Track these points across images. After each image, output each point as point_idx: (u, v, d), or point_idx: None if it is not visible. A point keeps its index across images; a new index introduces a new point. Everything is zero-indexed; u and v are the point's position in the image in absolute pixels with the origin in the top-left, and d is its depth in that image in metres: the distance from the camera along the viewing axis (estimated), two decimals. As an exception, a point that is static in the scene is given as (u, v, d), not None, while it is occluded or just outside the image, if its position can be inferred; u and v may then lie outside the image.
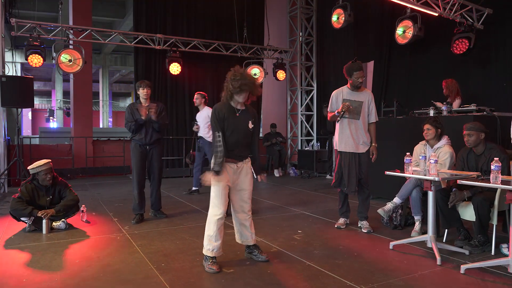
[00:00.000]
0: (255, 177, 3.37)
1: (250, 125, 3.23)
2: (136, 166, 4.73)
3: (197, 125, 6.46)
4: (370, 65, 9.07)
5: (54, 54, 7.63)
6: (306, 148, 10.43)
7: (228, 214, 3.30)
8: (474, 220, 3.55)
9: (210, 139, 6.31)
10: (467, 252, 3.47)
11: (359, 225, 4.38)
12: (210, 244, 3.14)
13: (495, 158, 2.88)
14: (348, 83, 4.37)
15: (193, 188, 6.78)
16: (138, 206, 4.73)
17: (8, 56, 10.26)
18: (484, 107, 4.94)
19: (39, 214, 4.15)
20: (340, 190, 4.42)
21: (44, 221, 4.14)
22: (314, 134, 10.73)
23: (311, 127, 10.89)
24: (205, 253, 3.16)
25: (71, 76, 8.89)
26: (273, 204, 5.84)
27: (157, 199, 4.95)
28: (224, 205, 3.15)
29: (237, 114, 3.19)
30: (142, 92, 4.75)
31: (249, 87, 3.11)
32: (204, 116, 6.36)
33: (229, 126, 3.15)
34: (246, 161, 3.28)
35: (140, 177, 4.75)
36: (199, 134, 6.48)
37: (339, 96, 4.37)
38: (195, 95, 6.56)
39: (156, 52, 9.12)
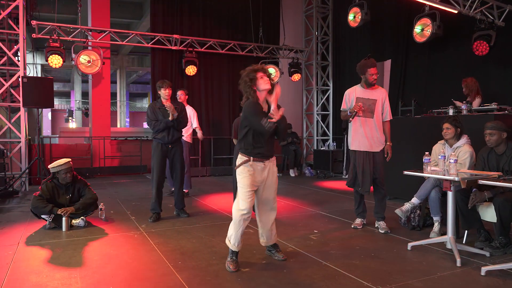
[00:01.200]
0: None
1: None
2: (157, 165, 4.76)
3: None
4: (387, 64, 8.96)
5: (73, 55, 7.79)
6: (322, 148, 10.36)
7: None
8: (495, 221, 3.47)
9: (189, 139, 6.37)
10: (487, 254, 3.39)
11: (376, 226, 4.34)
12: (233, 238, 3.15)
13: (517, 158, 2.81)
14: (362, 81, 4.31)
15: (173, 189, 6.41)
16: (156, 205, 4.77)
17: (29, 57, 10.50)
18: (505, 106, 4.83)
19: (59, 212, 4.22)
20: (355, 190, 4.38)
21: (64, 218, 4.22)
22: (330, 134, 10.66)
23: (327, 126, 10.82)
24: (230, 247, 3.17)
25: (90, 77, 9.05)
26: (288, 203, 5.83)
27: (180, 198, 4.97)
28: (249, 201, 3.10)
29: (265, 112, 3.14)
30: (164, 93, 4.77)
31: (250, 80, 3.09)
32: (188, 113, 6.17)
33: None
34: (272, 159, 3.26)
35: (160, 176, 4.78)
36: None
37: (352, 94, 4.32)
38: (179, 92, 6.38)
39: (172, 52, 9.21)
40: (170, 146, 4.80)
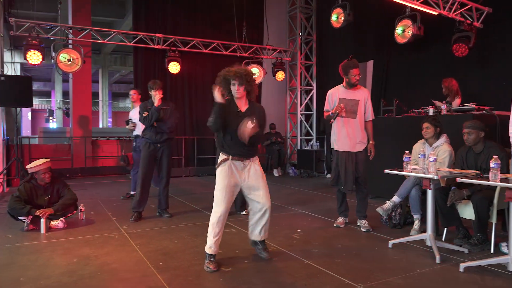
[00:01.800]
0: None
1: (250, 125, 3.14)
2: (144, 163, 4.74)
3: (132, 123, 6.05)
4: (370, 64, 9.06)
5: (53, 54, 7.63)
6: (305, 148, 10.42)
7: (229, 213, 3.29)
8: (474, 218, 3.54)
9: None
10: (466, 251, 3.46)
11: (358, 224, 4.37)
12: (209, 241, 3.14)
13: (494, 156, 2.87)
14: (344, 82, 4.35)
15: (131, 192, 6.12)
16: (138, 204, 4.73)
17: (7, 56, 10.26)
18: (483, 106, 4.93)
19: (37, 213, 4.13)
20: (338, 189, 4.41)
21: (42, 220, 4.13)
22: (314, 134, 10.71)
23: (311, 126, 10.88)
24: (205, 249, 3.16)
25: (70, 76, 8.89)
26: (272, 203, 5.80)
27: (164, 198, 4.93)
28: (225, 203, 3.11)
29: (239, 112, 3.15)
30: (154, 95, 4.72)
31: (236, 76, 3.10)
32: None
33: (232, 124, 3.09)
34: (254, 158, 3.24)
35: (147, 175, 4.76)
36: (135, 133, 6.05)
37: (335, 95, 4.36)
38: (132, 91, 6.25)
39: (155, 51, 9.11)
40: (158, 145, 4.77)
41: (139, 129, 5.85)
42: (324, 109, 4.47)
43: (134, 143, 6.14)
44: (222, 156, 3.17)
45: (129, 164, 6.41)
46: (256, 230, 3.33)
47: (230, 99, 3.20)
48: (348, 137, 4.27)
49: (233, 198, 3.20)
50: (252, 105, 3.27)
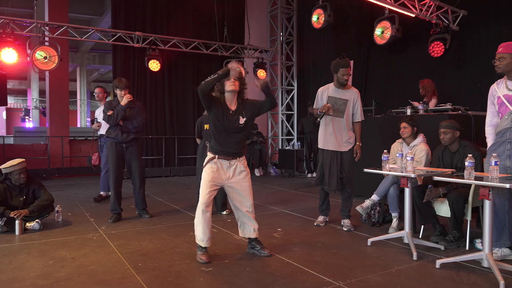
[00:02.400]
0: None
1: (242, 120, 3.26)
2: (112, 164, 4.64)
3: (97, 122, 5.94)
4: (350, 64, 9.16)
5: (28, 51, 7.43)
6: (286, 147, 10.47)
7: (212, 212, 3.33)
8: (449, 216, 3.63)
9: None
10: (442, 248, 3.54)
11: (341, 224, 4.39)
12: (198, 233, 3.22)
13: (468, 155, 2.94)
14: (334, 80, 4.30)
15: (101, 193, 6.04)
16: (116, 205, 4.65)
17: (-20, 53, 9.94)
18: (459, 106, 5.06)
19: (12, 215, 4.02)
20: (321, 187, 4.43)
21: (17, 221, 4.02)
22: (295, 134, 10.78)
23: (292, 126, 10.94)
24: (196, 241, 3.25)
25: (47, 74, 8.67)
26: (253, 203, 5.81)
27: (140, 198, 4.83)
28: (208, 197, 3.19)
29: (230, 112, 3.25)
30: (120, 94, 4.61)
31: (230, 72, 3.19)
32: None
33: (219, 123, 3.21)
34: (241, 158, 3.31)
35: (117, 175, 4.65)
36: (100, 132, 5.93)
37: (325, 93, 4.32)
38: (97, 89, 6.09)
39: (135, 50, 8.98)
40: (124, 145, 4.67)
41: (104, 128, 5.71)
42: (314, 107, 4.43)
43: (99, 142, 6.00)
44: (209, 155, 3.27)
45: (96, 165, 6.11)
46: (250, 223, 3.40)
47: (219, 97, 3.26)
48: (334, 135, 4.24)
49: (214, 192, 3.25)
50: (243, 102, 3.35)
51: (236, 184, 3.29)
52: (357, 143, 4.32)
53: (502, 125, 3.22)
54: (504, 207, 3.23)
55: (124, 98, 4.59)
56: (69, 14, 9.46)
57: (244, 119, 3.27)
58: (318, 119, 4.27)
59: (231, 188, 3.31)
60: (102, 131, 5.83)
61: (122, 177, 4.76)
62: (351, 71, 4.24)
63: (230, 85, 3.22)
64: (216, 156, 3.23)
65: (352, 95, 4.29)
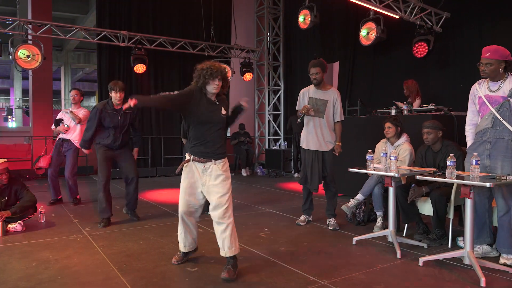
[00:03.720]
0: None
1: (223, 111, 3.00)
2: (102, 166, 4.42)
3: (64, 125, 5.57)
4: (336, 65, 9.25)
5: (11, 50, 7.30)
6: (273, 147, 10.50)
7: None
8: (432, 214, 3.69)
9: (78, 144, 5.42)
10: (425, 246, 3.60)
11: (327, 223, 4.43)
12: (179, 237, 3.20)
13: (450, 155, 3.00)
14: None
15: (56, 198, 5.68)
16: (105, 209, 4.43)
17: (-39, 51, 9.72)
18: (442, 106, 5.15)
19: (-7, 216, 3.94)
20: (304, 187, 4.47)
21: (-2, 223, 3.95)
22: (281, 134, 10.81)
23: (279, 126, 10.97)
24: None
25: (30, 73, 8.53)
26: (240, 203, 5.83)
27: (133, 199, 4.70)
28: (184, 202, 3.04)
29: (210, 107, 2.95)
30: (115, 96, 4.38)
31: (221, 72, 2.92)
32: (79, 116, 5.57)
33: (198, 118, 2.92)
34: (219, 161, 2.94)
35: (106, 177, 4.44)
36: (67, 137, 5.55)
37: (306, 94, 4.41)
38: (73, 92, 5.69)
39: (120, 49, 8.90)
40: (117, 151, 4.56)
41: (72, 133, 5.55)
42: (296, 108, 4.51)
43: (62, 147, 5.56)
44: (186, 157, 3.02)
45: (37, 167, 5.71)
46: (224, 242, 2.93)
47: (198, 91, 2.94)
48: (315, 135, 4.33)
49: (193, 199, 3.02)
50: (220, 98, 3.06)
51: (210, 191, 2.95)
52: (337, 143, 4.37)
53: (482, 125, 3.29)
54: (484, 205, 3.31)
55: (128, 102, 4.41)
56: (53, 13, 9.31)
57: (225, 111, 3.05)
58: (299, 120, 4.36)
59: (208, 195, 2.99)
60: (70, 136, 5.54)
61: (110, 180, 4.56)
62: (322, 70, 4.24)
63: (214, 88, 2.93)
64: (192, 157, 2.99)
65: (332, 96, 4.36)
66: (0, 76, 24.45)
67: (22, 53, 7.19)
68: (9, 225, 4.10)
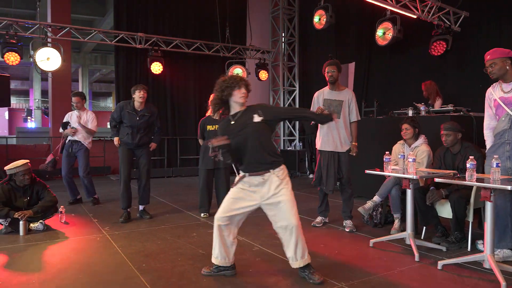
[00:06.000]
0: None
1: (256, 118, 2.89)
2: (123, 160, 4.74)
3: (73, 128, 5.63)
4: (352, 66, 9.18)
5: (31, 52, 7.48)
6: (288, 148, 10.49)
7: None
8: (451, 217, 3.64)
9: (89, 145, 5.77)
10: (444, 249, 3.55)
11: (343, 224, 4.42)
12: (213, 247, 2.95)
13: (470, 157, 2.96)
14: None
15: (75, 198, 5.88)
16: (126, 203, 4.74)
17: (-17, 54, 9.99)
18: (460, 107, 5.07)
19: (16, 216, 4.05)
20: (320, 188, 4.47)
21: (21, 222, 4.05)
22: (297, 134, 10.79)
23: (293, 127, 10.95)
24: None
25: (49, 74, 8.72)
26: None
27: (145, 193, 4.89)
28: (225, 211, 2.87)
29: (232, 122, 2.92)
30: (138, 95, 4.73)
31: (245, 80, 2.96)
32: (84, 119, 5.73)
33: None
34: (274, 170, 2.88)
35: (127, 171, 4.75)
36: (76, 138, 5.67)
37: (320, 96, 4.41)
38: (74, 99, 5.73)
39: (137, 51, 9.02)
40: (134, 148, 4.79)
41: (80, 134, 5.66)
42: (310, 110, 4.50)
43: (71, 149, 5.68)
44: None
45: (53, 167, 5.93)
46: (289, 251, 2.89)
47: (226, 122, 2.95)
48: (331, 136, 4.31)
49: (236, 209, 2.87)
50: (250, 107, 3.02)
51: (275, 202, 2.87)
52: (353, 143, 4.36)
53: (500, 126, 3.25)
54: (506, 208, 3.25)
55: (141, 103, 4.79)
56: (71, 15, 9.49)
57: (260, 117, 2.95)
58: (312, 122, 4.34)
59: (268, 205, 2.89)
60: (79, 137, 5.67)
61: (131, 174, 4.83)
62: (337, 69, 4.27)
63: (241, 97, 2.94)
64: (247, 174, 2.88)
65: (347, 96, 4.36)
66: (19, 78, 25.01)
67: (42, 55, 7.35)
68: (31, 224, 4.20)
